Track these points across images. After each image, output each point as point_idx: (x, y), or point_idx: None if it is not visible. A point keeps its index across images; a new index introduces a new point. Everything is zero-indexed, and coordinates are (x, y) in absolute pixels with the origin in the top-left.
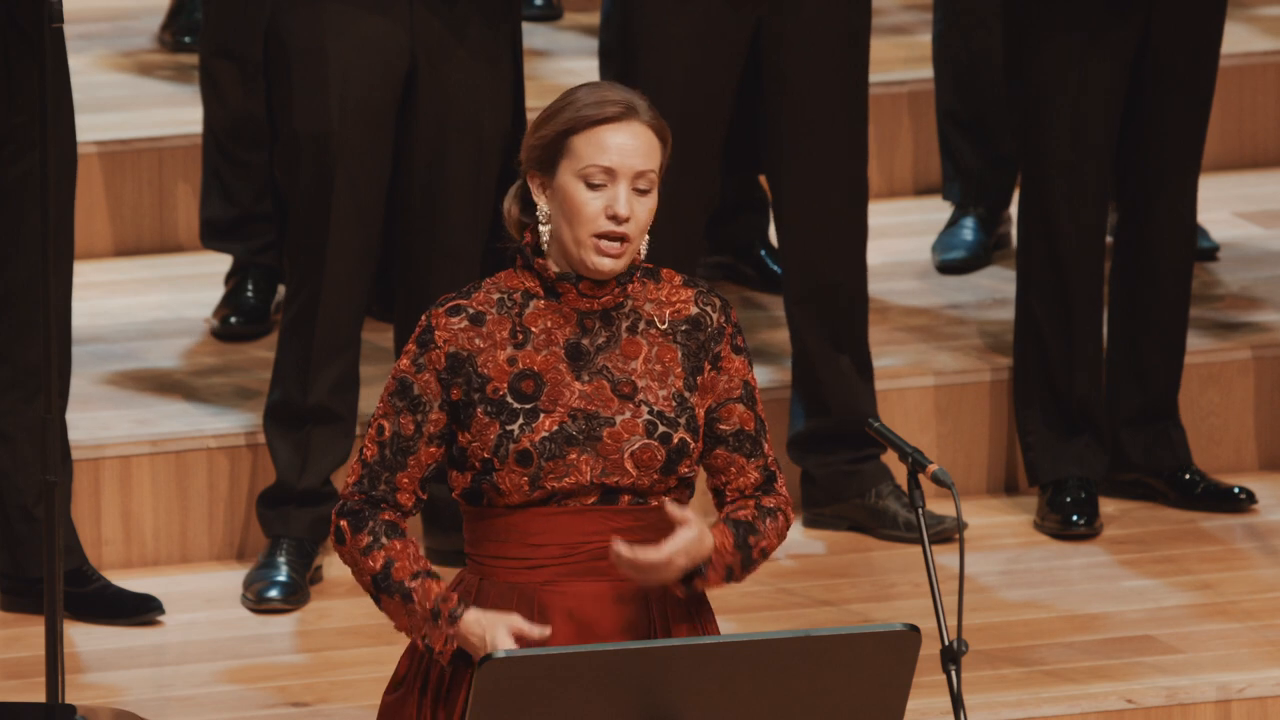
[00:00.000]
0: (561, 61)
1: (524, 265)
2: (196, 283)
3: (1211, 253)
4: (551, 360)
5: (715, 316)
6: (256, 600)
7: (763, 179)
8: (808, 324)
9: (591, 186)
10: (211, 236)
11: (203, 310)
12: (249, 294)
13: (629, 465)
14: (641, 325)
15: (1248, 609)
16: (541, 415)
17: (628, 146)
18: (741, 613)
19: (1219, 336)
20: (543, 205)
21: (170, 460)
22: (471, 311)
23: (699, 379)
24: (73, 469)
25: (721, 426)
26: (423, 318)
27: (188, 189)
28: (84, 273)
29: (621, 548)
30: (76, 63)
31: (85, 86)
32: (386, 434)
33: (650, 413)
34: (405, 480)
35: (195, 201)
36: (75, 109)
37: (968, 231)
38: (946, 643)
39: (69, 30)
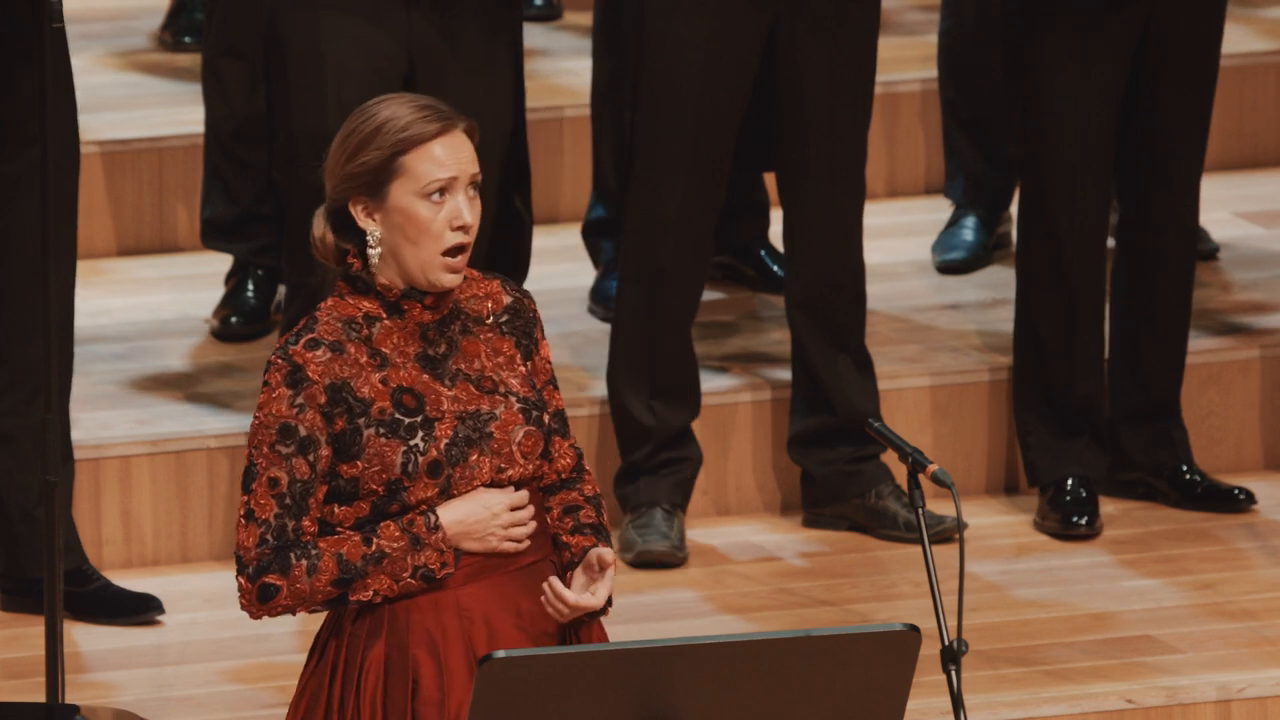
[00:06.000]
0: (561, 61)
1: (355, 290)
2: (196, 283)
3: (1212, 253)
4: (415, 374)
5: (526, 303)
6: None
7: (766, 179)
8: (808, 324)
9: (433, 202)
10: (212, 236)
11: (203, 310)
12: (249, 294)
13: (518, 455)
14: (471, 325)
15: (1248, 609)
16: (434, 424)
17: (461, 153)
18: (741, 613)
19: (1219, 336)
20: (373, 229)
21: (170, 460)
22: (328, 341)
23: (529, 364)
24: (74, 469)
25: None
26: (277, 360)
27: (188, 189)
28: (84, 273)
29: (556, 586)
30: (76, 63)
31: (85, 86)
32: (282, 485)
33: (520, 400)
34: (308, 524)
35: (195, 201)
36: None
37: (968, 232)
38: (946, 643)
39: (69, 30)
